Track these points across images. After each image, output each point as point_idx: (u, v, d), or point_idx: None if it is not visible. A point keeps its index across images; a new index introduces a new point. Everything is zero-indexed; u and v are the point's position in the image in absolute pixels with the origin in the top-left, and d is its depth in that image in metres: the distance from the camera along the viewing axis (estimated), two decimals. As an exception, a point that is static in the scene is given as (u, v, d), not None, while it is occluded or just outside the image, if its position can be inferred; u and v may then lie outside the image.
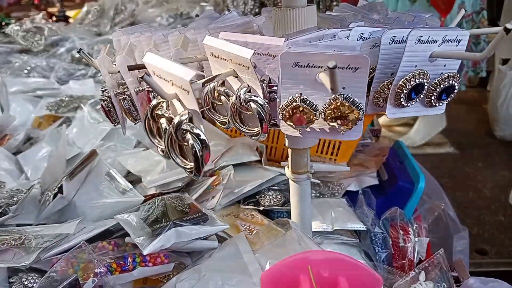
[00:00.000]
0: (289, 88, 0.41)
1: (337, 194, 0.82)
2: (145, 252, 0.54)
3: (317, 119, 0.41)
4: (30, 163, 0.84)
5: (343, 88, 0.40)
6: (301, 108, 0.40)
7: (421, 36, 0.40)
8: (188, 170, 0.41)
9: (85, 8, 1.60)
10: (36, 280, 0.53)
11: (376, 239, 0.71)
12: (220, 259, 0.57)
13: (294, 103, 0.40)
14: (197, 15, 0.69)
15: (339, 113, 0.39)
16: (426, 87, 0.43)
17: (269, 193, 0.76)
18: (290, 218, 0.64)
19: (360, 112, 0.39)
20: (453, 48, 0.42)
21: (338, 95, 0.39)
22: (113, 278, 0.52)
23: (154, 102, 0.43)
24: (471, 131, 2.98)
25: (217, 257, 0.57)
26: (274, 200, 0.74)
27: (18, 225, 0.68)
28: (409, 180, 0.84)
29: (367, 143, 1.06)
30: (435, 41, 0.41)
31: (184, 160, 0.41)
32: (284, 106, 0.41)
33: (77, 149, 0.84)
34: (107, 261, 0.54)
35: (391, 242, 0.71)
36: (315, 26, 0.53)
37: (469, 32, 0.43)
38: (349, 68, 0.39)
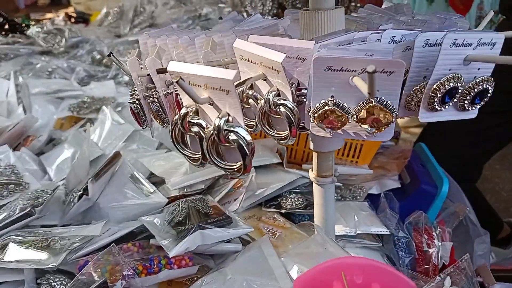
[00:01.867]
0: (321, 91, 0.41)
1: (359, 197, 0.82)
2: (171, 255, 0.54)
3: (349, 122, 0.41)
4: (53, 164, 0.85)
5: (377, 91, 0.39)
6: (333, 111, 0.40)
7: (456, 39, 0.39)
8: (233, 171, 0.41)
9: (104, 10, 1.61)
10: (63, 282, 0.53)
11: (400, 244, 0.71)
12: (245, 262, 0.57)
13: (327, 107, 0.40)
14: (220, 18, 0.69)
15: (373, 116, 0.39)
16: (460, 91, 0.42)
17: (291, 196, 0.76)
18: (313, 221, 0.63)
19: (393, 115, 0.39)
20: (487, 51, 0.41)
21: (371, 98, 0.39)
22: (140, 281, 0.52)
23: (183, 111, 0.42)
24: (489, 133, 2.93)
25: (242, 260, 0.57)
26: (296, 203, 0.74)
27: (42, 226, 0.69)
28: (432, 183, 0.83)
29: (387, 145, 1.05)
30: (470, 44, 0.40)
31: (227, 163, 0.41)
32: (316, 109, 0.41)
33: (99, 151, 0.85)
34: (134, 263, 0.54)
35: (415, 247, 0.71)
36: (343, 28, 0.52)
37: (503, 35, 0.42)
38: (383, 72, 0.38)
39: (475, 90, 0.42)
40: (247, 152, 0.40)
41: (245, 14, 1.51)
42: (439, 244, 0.73)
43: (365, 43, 0.43)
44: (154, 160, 0.78)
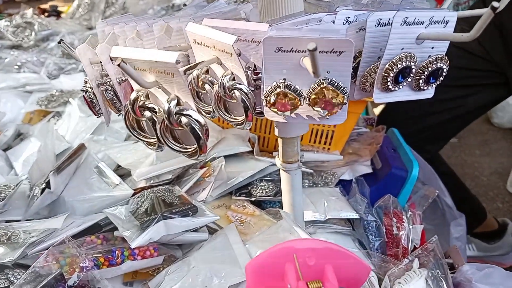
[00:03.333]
0: (272, 73, 0.40)
1: (330, 183, 0.82)
2: (132, 246, 0.53)
3: (301, 105, 0.40)
4: (19, 158, 0.83)
5: (328, 72, 0.39)
6: (285, 94, 0.39)
7: (407, 18, 0.39)
8: (188, 153, 0.41)
9: (76, 2, 1.58)
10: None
11: (370, 227, 0.71)
12: (209, 251, 0.56)
13: (278, 89, 0.39)
14: (184, 4, 0.67)
15: (324, 98, 0.38)
16: (413, 70, 0.42)
17: (261, 183, 0.75)
18: (282, 208, 0.63)
19: (345, 97, 0.38)
20: (440, 29, 0.41)
21: (322, 80, 0.38)
22: (100, 272, 0.51)
23: (133, 95, 0.41)
24: (468, 119, 2.96)
25: (207, 249, 0.56)
26: (266, 190, 0.74)
27: (7, 221, 0.67)
28: (402, 167, 0.83)
29: (362, 132, 1.05)
30: (422, 23, 0.40)
31: (182, 145, 0.41)
32: (268, 92, 0.40)
33: (66, 144, 0.83)
34: (95, 255, 0.53)
35: (384, 230, 0.71)
36: (301, 11, 0.51)
37: (456, 14, 0.41)
38: (333, 52, 0.38)
39: (429, 69, 0.42)
40: (200, 134, 0.40)
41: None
42: (410, 227, 0.73)
43: (319, 24, 0.43)
44: (121, 151, 0.77)
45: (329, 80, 0.38)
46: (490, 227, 1.55)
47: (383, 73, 0.41)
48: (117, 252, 0.54)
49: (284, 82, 0.39)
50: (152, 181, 0.70)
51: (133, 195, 0.67)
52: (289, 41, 0.38)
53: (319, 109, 0.39)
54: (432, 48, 0.42)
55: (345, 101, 0.38)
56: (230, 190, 0.74)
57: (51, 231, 0.58)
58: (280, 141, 0.59)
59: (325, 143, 0.89)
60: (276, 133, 0.58)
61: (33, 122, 1.00)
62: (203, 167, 0.75)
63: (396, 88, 0.42)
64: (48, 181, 0.65)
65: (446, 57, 0.42)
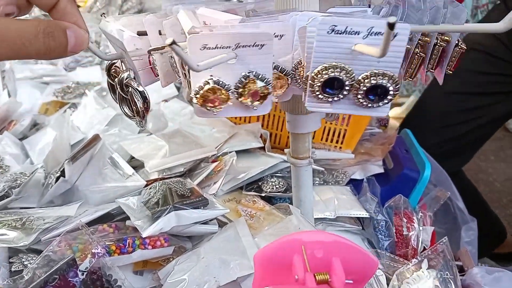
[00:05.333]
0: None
1: (341, 182, 0.82)
2: (144, 235, 0.54)
3: (231, 98, 0.39)
4: (35, 148, 0.85)
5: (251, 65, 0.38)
6: (214, 90, 0.39)
7: (335, 26, 0.35)
8: (135, 121, 0.45)
9: (93, -4, 1.60)
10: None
11: (379, 227, 0.71)
12: (219, 242, 0.56)
13: (208, 86, 0.38)
14: None
15: (250, 90, 0.38)
16: (346, 83, 0.37)
17: (272, 179, 0.75)
18: (292, 205, 0.63)
19: (269, 87, 0.38)
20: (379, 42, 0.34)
21: (247, 73, 0.38)
22: (112, 260, 0.52)
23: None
24: (484, 124, 2.93)
25: (216, 241, 0.57)
26: (277, 186, 0.74)
27: (21, 208, 0.69)
28: (415, 168, 0.83)
29: (375, 132, 1.05)
30: (358, 33, 0.35)
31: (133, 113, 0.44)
32: (197, 90, 0.39)
33: (81, 135, 0.84)
34: (107, 243, 0.54)
35: (394, 230, 0.71)
36: (316, 8, 0.51)
37: (409, 27, 0.35)
38: (255, 46, 0.37)
39: (366, 84, 0.37)
40: (138, 102, 0.42)
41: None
42: (420, 228, 0.73)
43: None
44: (135, 143, 0.78)
45: (254, 72, 0.38)
46: (508, 248, 1.50)
47: (310, 81, 0.38)
48: (128, 240, 0.55)
49: (212, 78, 0.39)
50: (164, 173, 0.71)
51: (145, 186, 0.67)
52: (213, 37, 0.37)
53: (247, 101, 0.39)
54: (378, 62, 0.36)
55: (269, 91, 0.39)
56: (241, 185, 0.74)
57: (64, 218, 0.59)
58: (291, 136, 0.60)
59: (337, 142, 0.89)
60: (288, 128, 0.59)
61: (49, 113, 1.02)
62: (214, 161, 0.75)
63: (330, 99, 0.38)
64: (63, 169, 0.66)
65: (394, 75, 0.37)
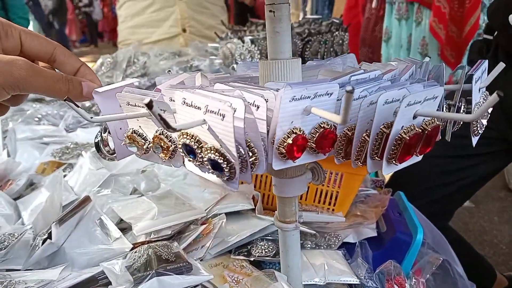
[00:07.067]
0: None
1: (333, 245, 0.80)
2: (124, 302, 0.53)
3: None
4: (28, 208, 0.85)
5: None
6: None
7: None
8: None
9: (100, 61, 1.67)
10: (14, 328, 0.52)
11: (371, 294, 0.69)
12: (201, 311, 0.55)
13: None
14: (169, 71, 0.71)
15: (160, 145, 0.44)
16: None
17: (261, 243, 0.75)
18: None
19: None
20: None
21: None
22: (89, 328, 0.51)
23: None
24: (486, 184, 2.91)
25: (199, 309, 0.56)
26: (266, 250, 0.73)
27: (8, 270, 0.68)
28: (407, 232, 0.82)
29: (370, 193, 1.05)
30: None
31: None
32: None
33: (74, 195, 0.85)
34: (86, 309, 0.53)
35: (385, 298, 0.69)
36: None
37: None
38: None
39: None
40: None
41: (235, 65, 1.57)
42: (413, 295, 0.71)
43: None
44: (125, 204, 0.78)
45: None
46: (502, 284, 1.54)
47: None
48: (108, 307, 0.54)
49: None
50: (152, 236, 0.70)
51: (132, 249, 0.67)
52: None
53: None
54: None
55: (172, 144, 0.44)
56: (230, 248, 0.73)
57: (46, 282, 0.58)
58: (277, 199, 0.60)
59: (329, 204, 0.89)
60: (274, 192, 0.59)
61: (46, 173, 1.03)
62: (204, 224, 0.75)
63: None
64: (51, 231, 0.66)
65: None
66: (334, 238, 0.82)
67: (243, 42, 1.36)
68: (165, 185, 0.88)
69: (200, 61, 1.62)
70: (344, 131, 0.44)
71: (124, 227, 0.77)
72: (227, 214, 0.78)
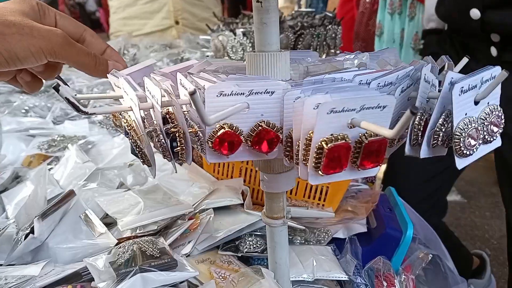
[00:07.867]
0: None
1: (322, 241, 0.80)
2: (106, 299, 0.52)
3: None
4: (12, 201, 0.83)
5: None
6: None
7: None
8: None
9: (89, 52, 1.64)
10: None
11: (359, 290, 0.68)
12: (185, 308, 0.54)
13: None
14: None
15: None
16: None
17: (250, 238, 0.74)
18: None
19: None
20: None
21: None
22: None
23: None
24: (479, 180, 2.92)
25: (183, 306, 0.55)
26: (254, 246, 0.72)
27: (-10, 265, 0.66)
28: (397, 228, 0.81)
29: (362, 188, 1.04)
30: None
31: None
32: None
33: (59, 189, 0.83)
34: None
35: (374, 294, 0.68)
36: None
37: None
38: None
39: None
40: None
41: (226, 58, 1.55)
42: (401, 291, 0.70)
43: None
44: (110, 199, 0.76)
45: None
46: (475, 264, 1.68)
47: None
48: (90, 304, 0.52)
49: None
50: (137, 231, 0.69)
51: (117, 245, 0.65)
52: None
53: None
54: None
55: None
56: (217, 244, 0.72)
57: (28, 278, 0.57)
58: (265, 195, 0.59)
59: (319, 199, 0.87)
60: (262, 187, 0.58)
61: (32, 165, 1.01)
62: (191, 219, 0.74)
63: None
64: (33, 226, 0.64)
65: None
66: (324, 234, 0.81)
67: (235, 34, 1.34)
68: (153, 179, 0.87)
69: (191, 54, 1.60)
70: (290, 133, 0.42)
71: (110, 222, 0.75)
72: (215, 209, 0.76)
